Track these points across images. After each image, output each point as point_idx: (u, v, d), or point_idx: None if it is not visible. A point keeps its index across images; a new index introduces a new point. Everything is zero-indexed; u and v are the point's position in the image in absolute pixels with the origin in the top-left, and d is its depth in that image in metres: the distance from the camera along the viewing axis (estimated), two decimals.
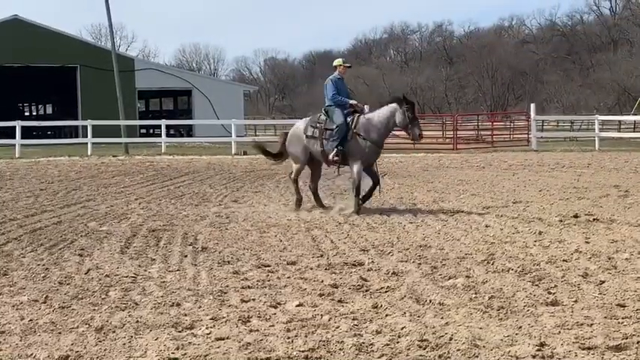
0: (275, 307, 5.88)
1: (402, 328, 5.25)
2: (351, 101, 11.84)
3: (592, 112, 51.35)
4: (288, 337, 5.08)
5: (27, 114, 70.03)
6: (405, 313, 5.66)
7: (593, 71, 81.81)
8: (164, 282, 6.78)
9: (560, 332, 5.14)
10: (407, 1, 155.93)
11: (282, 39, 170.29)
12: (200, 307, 5.91)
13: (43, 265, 7.55)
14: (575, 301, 5.93)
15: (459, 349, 4.81)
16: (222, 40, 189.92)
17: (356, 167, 11.37)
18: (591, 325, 5.29)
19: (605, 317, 5.45)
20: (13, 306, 5.96)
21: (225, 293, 6.34)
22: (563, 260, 7.54)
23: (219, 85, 54.60)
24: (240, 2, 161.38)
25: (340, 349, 4.85)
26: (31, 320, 5.53)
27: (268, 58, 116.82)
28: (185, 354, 4.79)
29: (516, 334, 5.10)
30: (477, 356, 4.71)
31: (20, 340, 5.08)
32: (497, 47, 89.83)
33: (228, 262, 7.71)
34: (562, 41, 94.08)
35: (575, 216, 10.50)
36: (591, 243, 8.49)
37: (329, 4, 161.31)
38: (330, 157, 11.46)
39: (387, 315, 5.64)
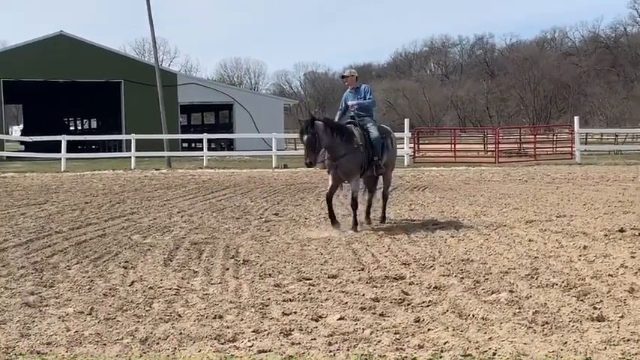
0: (316, 321, 5.88)
1: (445, 343, 5.21)
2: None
3: (636, 125, 50.59)
4: (330, 351, 5.08)
5: (72, 128, 71.36)
6: (447, 327, 5.62)
7: (637, 83, 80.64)
8: (207, 294, 6.83)
9: (606, 348, 5.05)
10: (447, 15, 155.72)
11: (322, 53, 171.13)
12: (242, 319, 5.94)
13: (88, 277, 7.66)
14: (622, 317, 5.83)
15: None
16: (263, 54, 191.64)
17: None
18: (638, 340, 5.19)
19: None
20: (59, 317, 6.05)
21: (267, 306, 6.36)
22: (609, 275, 7.42)
23: (259, 99, 54.98)
24: (280, 17, 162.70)
25: None
26: (76, 332, 5.61)
27: (308, 72, 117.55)
28: None
29: (561, 349, 5.03)
30: None
31: (66, 352, 5.15)
32: (540, 60, 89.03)
33: (270, 274, 7.74)
34: (605, 53, 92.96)
35: (621, 230, 10.32)
36: (637, 258, 8.33)
37: (369, 17, 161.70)
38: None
39: (429, 329, 5.60)
